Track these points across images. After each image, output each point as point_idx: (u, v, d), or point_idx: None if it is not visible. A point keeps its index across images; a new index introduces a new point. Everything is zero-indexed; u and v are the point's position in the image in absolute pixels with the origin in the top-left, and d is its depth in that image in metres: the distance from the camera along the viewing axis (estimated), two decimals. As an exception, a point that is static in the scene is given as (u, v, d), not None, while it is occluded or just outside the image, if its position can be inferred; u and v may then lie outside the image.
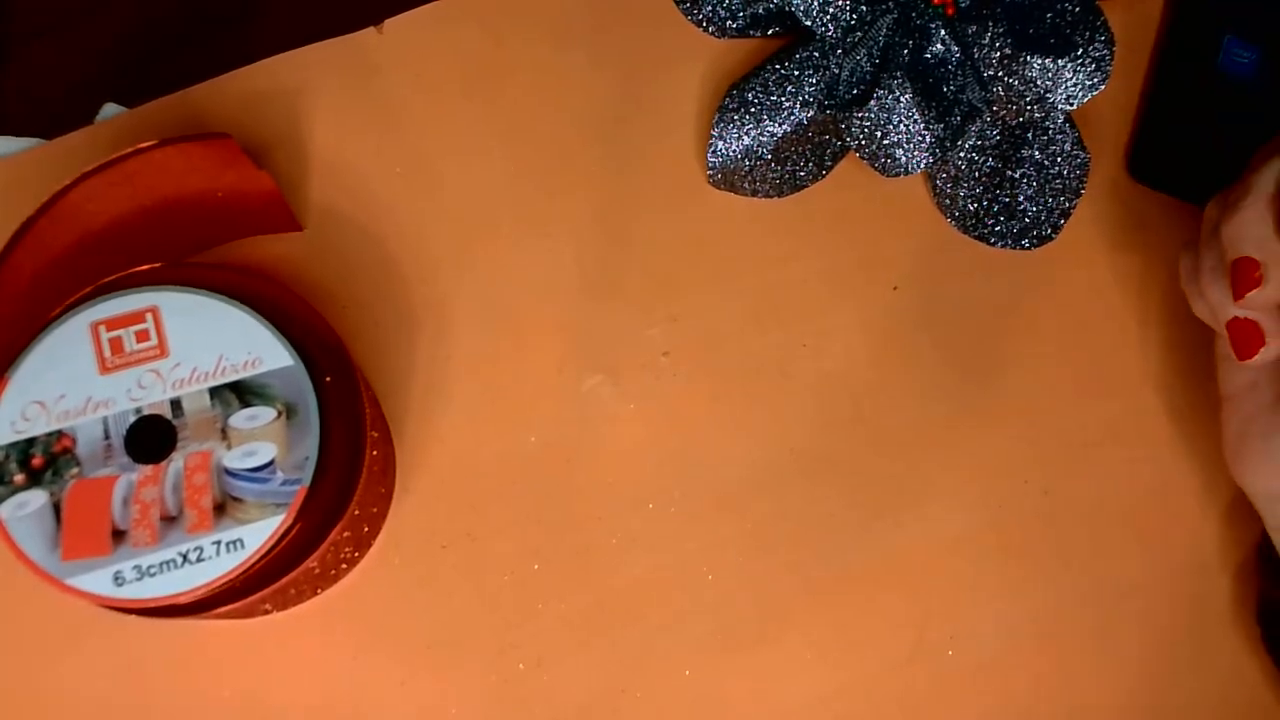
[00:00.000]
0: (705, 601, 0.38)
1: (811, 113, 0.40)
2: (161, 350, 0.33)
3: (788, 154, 0.40)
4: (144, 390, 0.33)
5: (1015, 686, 0.38)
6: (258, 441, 0.33)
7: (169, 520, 0.32)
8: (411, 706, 0.37)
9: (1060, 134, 0.40)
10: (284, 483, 0.32)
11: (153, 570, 0.31)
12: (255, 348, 0.33)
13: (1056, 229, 0.41)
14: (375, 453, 0.34)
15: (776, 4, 0.41)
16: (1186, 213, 0.42)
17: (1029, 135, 0.40)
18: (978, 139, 0.40)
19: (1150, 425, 0.40)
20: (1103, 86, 0.40)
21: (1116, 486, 0.40)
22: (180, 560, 0.31)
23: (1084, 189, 0.41)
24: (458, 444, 0.39)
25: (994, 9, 0.40)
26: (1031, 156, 0.40)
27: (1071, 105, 0.40)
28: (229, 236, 0.40)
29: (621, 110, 0.42)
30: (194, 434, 0.33)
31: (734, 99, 0.40)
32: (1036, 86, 0.40)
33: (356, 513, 0.34)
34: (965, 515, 0.39)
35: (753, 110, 0.40)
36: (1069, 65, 0.40)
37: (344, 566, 0.37)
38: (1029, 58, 0.40)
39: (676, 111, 0.42)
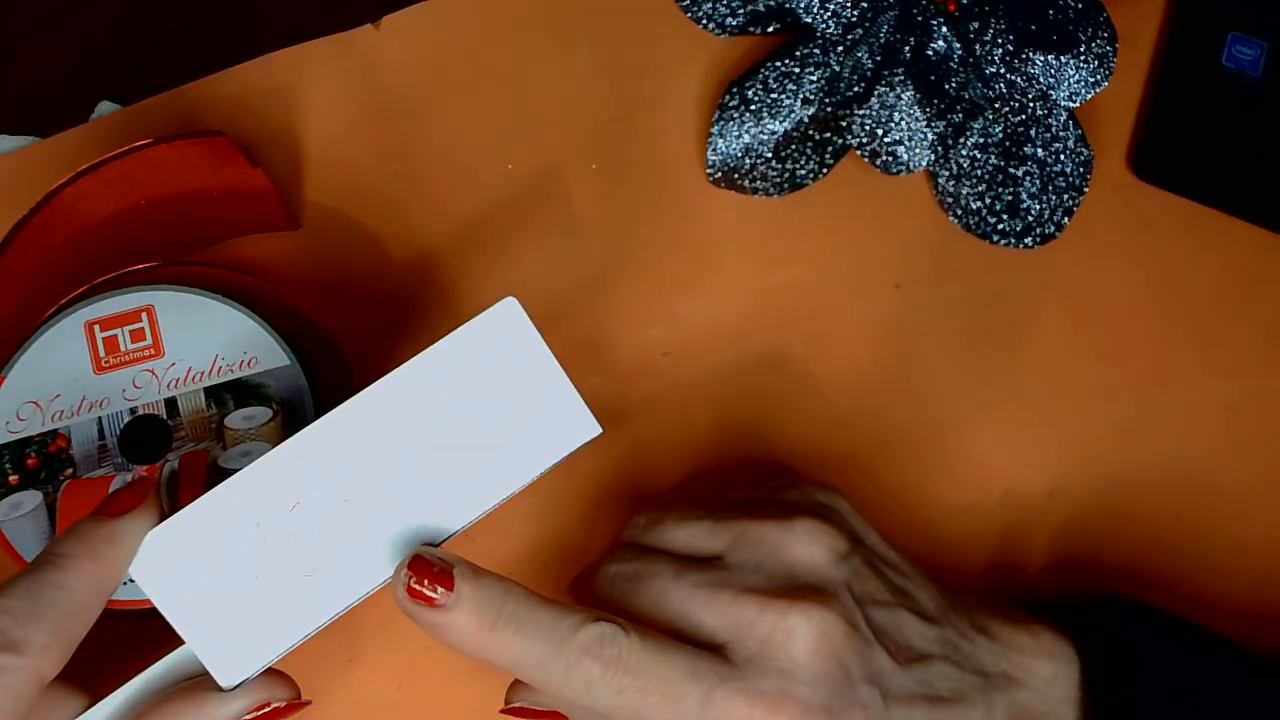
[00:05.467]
0: (705, 603, 0.38)
1: (812, 110, 0.40)
2: (157, 350, 0.33)
3: (788, 152, 0.40)
4: (139, 390, 0.33)
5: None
6: (254, 441, 0.32)
7: (164, 521, 0.31)
8: (410, 709, 0.37)
9: (1063, 131, 0.40)
10: (280, 483, 0.32)
11: (147, 572, 0.31)
12: (251, 347, 0.33)
13: (1060, 227, 0.40)
14: (372, 453, 0.34)
15: (777, 1, 0.40)
16: (1190, 210, 0.41)
17: (1032, 133, 0.40)
18: (980, 136, 0.40)
19: (1155, 424, 0.40)
20: (1106, 83, 0.40)
21: (1122, 486, 0.40)
22: (175, 562, 0.31)
23: (1087, 187, 0.41)
24: (456, 444, 0.39)
25: (996, 6, 0.40)
26: (1034, 154, 0.40)
27: (1074, 102, 0.40)
28: (224, 235, 0.40)
29: (621, 108, 0.42)
30: (190, 434, 0.32)
31: (734, 96, 0.40)
32: (1039, 83, 0.40)
33: (353, 514, 0.34)
34: (968, 516, 0.39)
35: (753, 108, 0.40)
36: (1072, 62, 0.40)
37: (341, 568, 0.37)
38: (1031, 54, 0.40)
39: (676, 109, 0.42)
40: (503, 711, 0.32)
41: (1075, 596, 0.36)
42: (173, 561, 0.26)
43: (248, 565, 0.27)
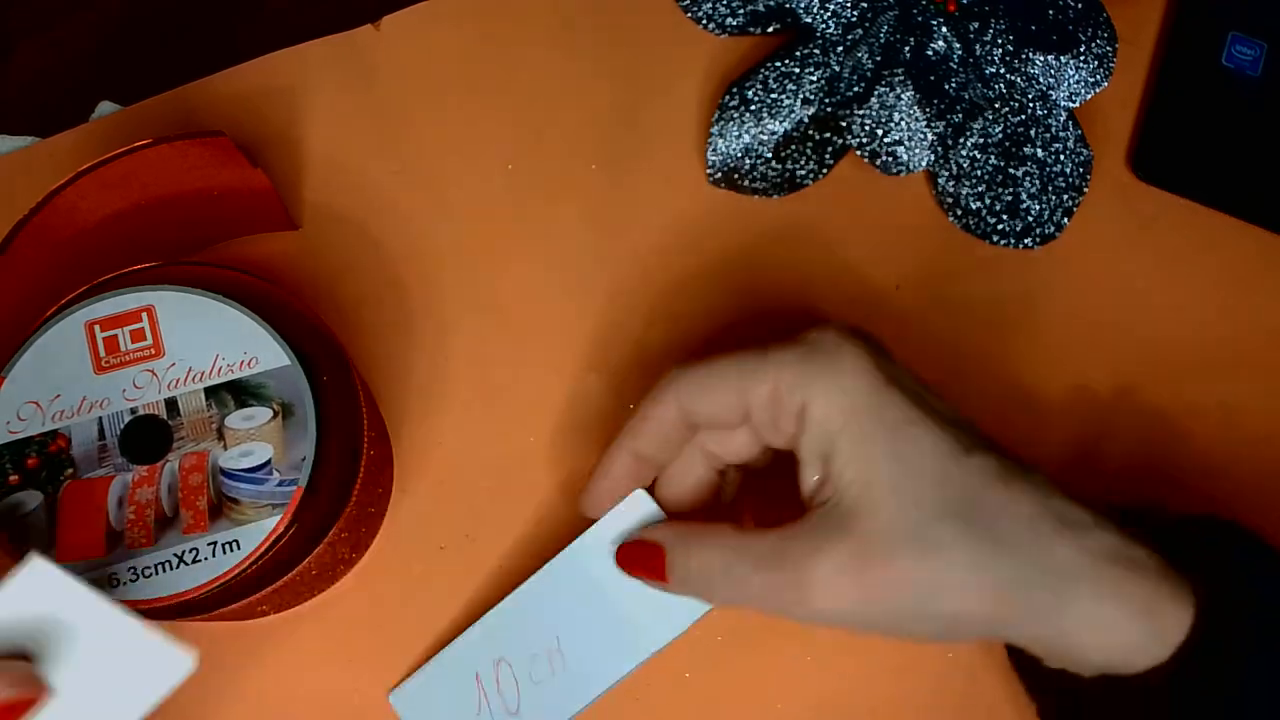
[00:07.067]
0: (705, 603, 0.38)
1: (812, 110, 0.40)
2: (157, 350, 0.33)
3: (788, 152, 0.40)
4: (139, 390, 0.33)
5: (1008, 693, 0.38)
6: (254, 442, 0.32)
7: (165, 521, 0.32)
8: None
9: (1063, 131, 0.40)
10: (280, 483, 0.32)
11: (148, 572, 0.31)
12: (252, 347, 0.33)
13: (1059, 227, 0.40)
14: (373, 453, 0.34)
15: (776, 1, 0.40)
16: (1190, 211, 0.41)
17: (1031, 133, 0.40)
18: (980, 137, 0.40)
19: (1154, 424, 0.40)
20: (1105, 83, 0.40)
21: (1121, 486, 0.40)
22: (176, 562, 0.31)
23: (1087, 187, 0.41)
24: (456, 444, 0.39)
25: (996, 6, 0.40)
26: (1034, 154, 0.40)
27: (1074, 102, 0.40)
28: (224, 235, 0.40)
29: (621, 108, 0.42)
30: (190, 434, 0.32)
31: (734, 96, 0.40)
32: (1039, 83, 0.40)
33: (354, 514, 0.34)
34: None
35: (753, 108, 0.40)
36: (1071, 62, 0.40)
37: (341, 568, 0.37)
38: (1031, 54, 0.40)
39: (676, 109, 0.42)
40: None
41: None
42: (421, 706, 0.35)
43: (468, 708, 0.35)
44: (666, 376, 0.33)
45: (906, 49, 0.40)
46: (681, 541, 0.32)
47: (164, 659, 0.27)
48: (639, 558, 0.33)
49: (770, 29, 0.41)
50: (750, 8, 0.41)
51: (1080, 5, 0.40)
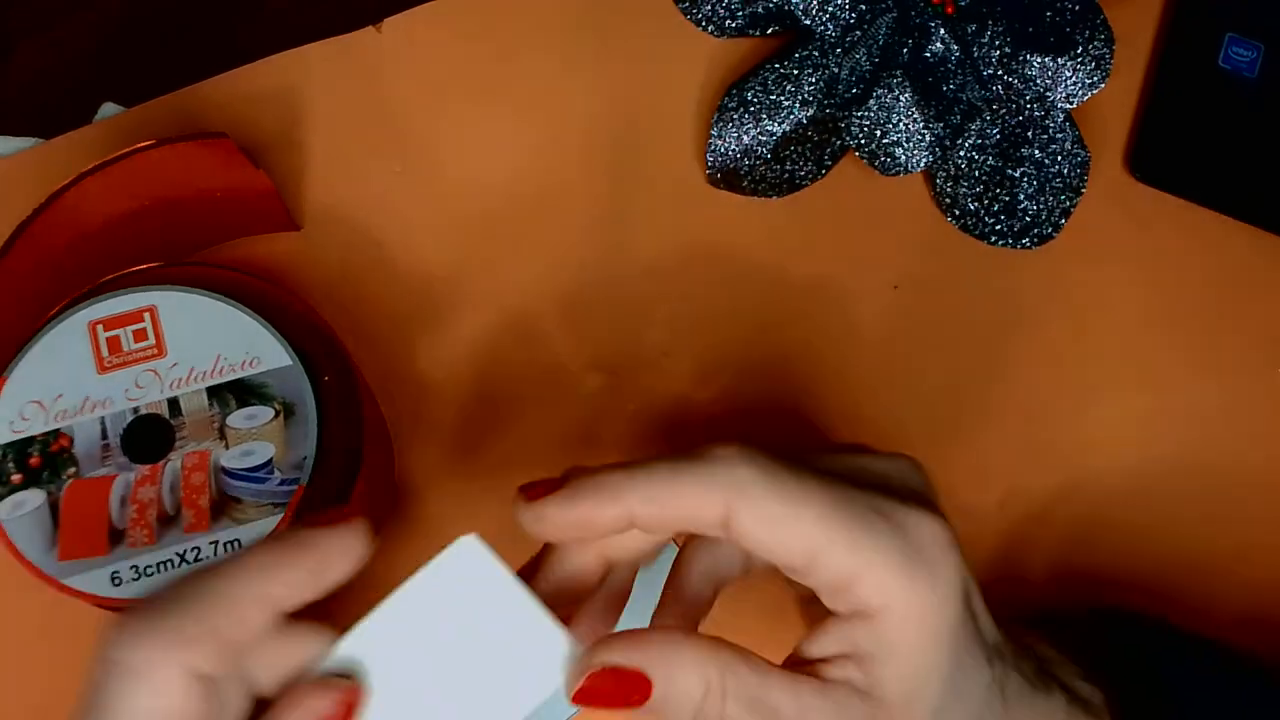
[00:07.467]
0: (705, 602, 0.38)
1: (811, 112, 0.40)
2: (159, 350, 0.33)
3: (787, 153, 0.40)
4: (142, 390, 0.33)
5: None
6: (256, 441, 0.32)
7: (166, 520, 0.32)
8: None
9: (1060, 132, 0.40)
10: (282, 483, 0.32)
11: (150, 570, 0.31)
12: (253, 347, 0.33)
13: (1057, 228, 0.41)
14: (374, 453, 0.34)
15: (776, 3, 0.41)
16: (1187, 211, 0.42)
17: (1029, 134, 0.40)
18: (978, 138, 0.40)
19: (1153, 425, 0.40)
20: (1103, 85, 0.40)
21: (1119, 487, 0.40)
22: (178, 560, 0.31)
23: (1084, 188, 0.41)
24: (457, 444, 0.39)
25: (994, 7, 0.40)
26: (1032, 155, 0.40)
27: (1071, 104, 0.40)
28: (226, 236, 0.40)
29: (621, 109, 0.42)
30: (192, 434, 0.33)
31: (733, 98, 0.40)
32: (1036, 85, 0.40)
33: (354, 513, 0.34)
34: (965, 517, 0.39)
35: (752, 109, 0.40)
36: (1069, 64, 0.40)
37: (342, 567, 0.37)
38: (1029, 56, 0.40)
39: (676, 110, 0.42)
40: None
41: (1080, 606, 0.35)
42: None
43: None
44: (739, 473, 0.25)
45: (905, 51, 0.40)
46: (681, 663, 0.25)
47: (558, 666, 0.25)
48: (612, 692, 0.25)
49: (769, 31, 0.41)
50: (749, 10, 0.41)
51: (1077, 7, 0.40)
